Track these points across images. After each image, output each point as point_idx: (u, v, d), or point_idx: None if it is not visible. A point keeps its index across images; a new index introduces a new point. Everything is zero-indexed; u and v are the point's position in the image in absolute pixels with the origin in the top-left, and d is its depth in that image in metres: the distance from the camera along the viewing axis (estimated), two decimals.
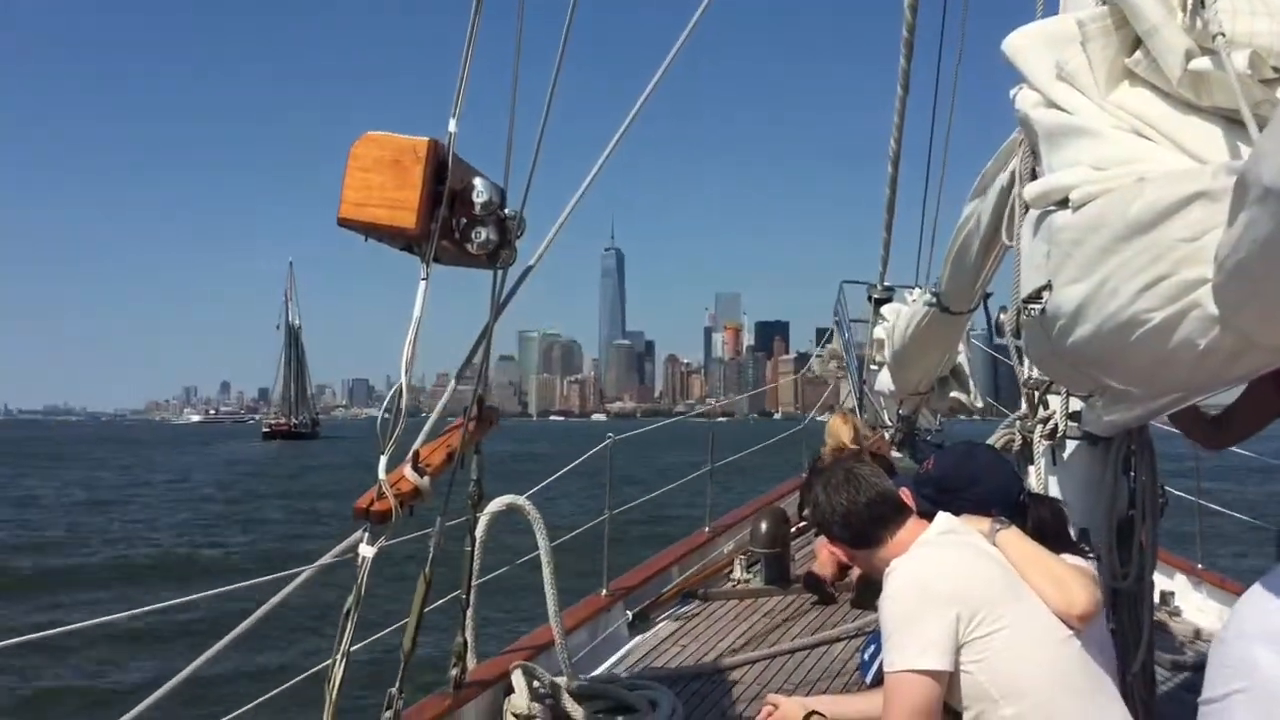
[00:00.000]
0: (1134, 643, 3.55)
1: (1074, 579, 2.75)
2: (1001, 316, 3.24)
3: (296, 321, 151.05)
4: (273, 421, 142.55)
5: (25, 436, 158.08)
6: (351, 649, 2.98)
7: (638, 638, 6.35)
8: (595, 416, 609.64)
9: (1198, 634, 6.54)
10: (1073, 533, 3.24)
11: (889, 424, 10.43)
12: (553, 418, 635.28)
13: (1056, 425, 3.67)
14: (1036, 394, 3.73)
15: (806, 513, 3.17)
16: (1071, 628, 2.70)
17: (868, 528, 2.93)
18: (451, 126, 3.05)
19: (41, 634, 3.23)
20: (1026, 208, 2.64)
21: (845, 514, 2.95)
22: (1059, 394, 3.64)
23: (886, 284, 9.51)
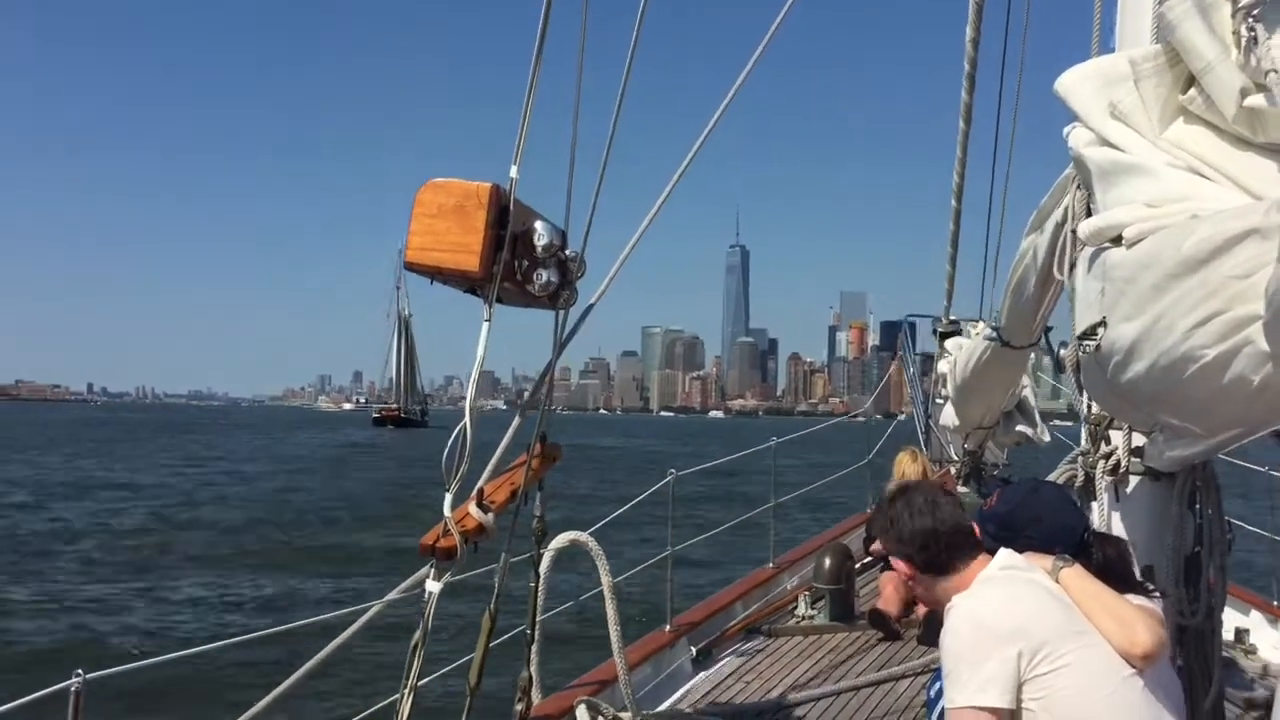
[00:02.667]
0: (1203, 681, 3.48)
1: (1138, 618, 2.72)
2: (1063, 352, 3.23)
3: (407, 310, 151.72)
4: (382, 407, 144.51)
5: (175, 420, 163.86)
6: (419, 683, 3.05)
7: (701, 674, 6.34)
8: (713, 414, 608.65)
9: (1269, 671, 6.38)
10: (1137, 571, 3.20)
11: (955, 458, 10.33)
12: (662, 413, 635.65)
13: (1119, 461, 3.63)
14: (1098, 429, 3.70)
15: (877, 536, 3.15)
16: (1134, 667, 2.67)
17: (943, 555, 2.92)
18: (513, 172, 3.13)
19: (123, 668, 3.31)
20: (1080, 243, 2.65)
21: (926, 537, 2.93)
22: (1121, 429, 3.61)
23: (952, 318, 9.47)
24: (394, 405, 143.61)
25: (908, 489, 3.16)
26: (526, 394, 3.65)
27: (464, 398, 3.19)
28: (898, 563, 3.03)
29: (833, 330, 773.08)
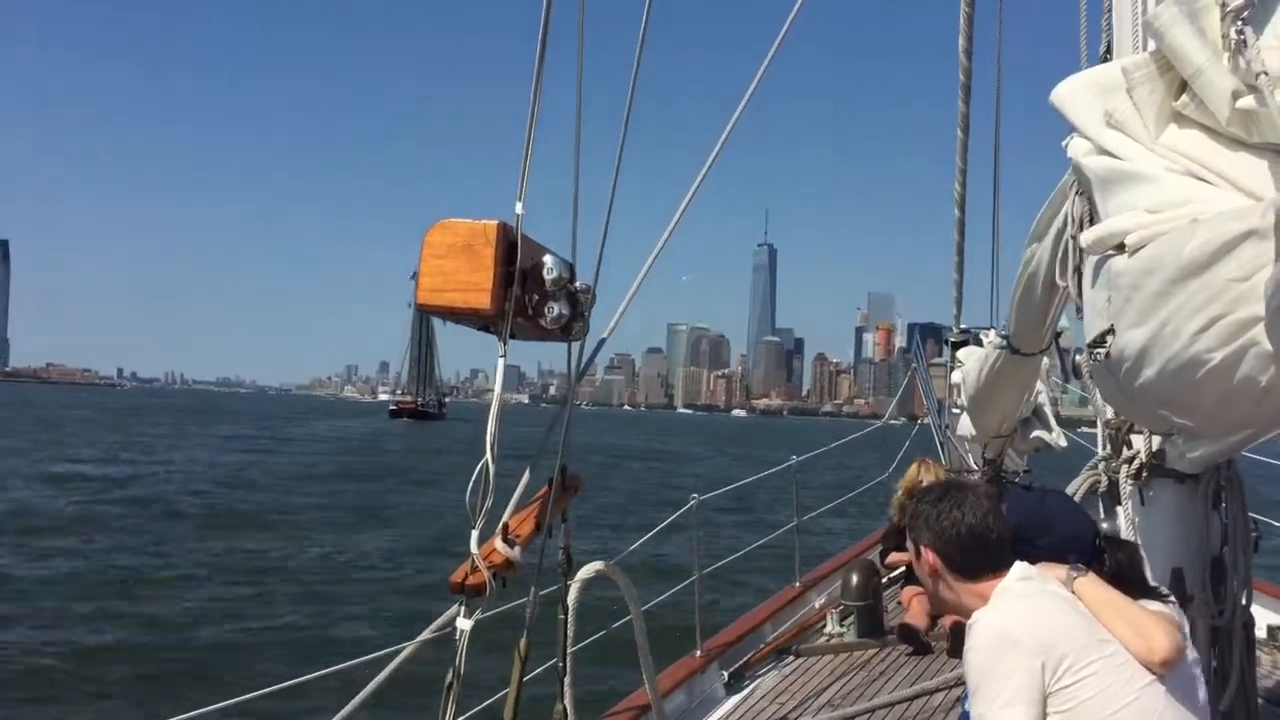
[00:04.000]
0: (1235, 680, 3.49)
1: (1155, 625, 2.72)
2: (1077, 358, 3.25)
3: None
4: (398, 400, 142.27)
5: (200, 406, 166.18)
6: None
7: (734, 697, 6.33)
8: (735, 413, 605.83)
9: None
10: (1149, 574, 3.19)
11: (974, 468, 10.30)
12: (681, 410, 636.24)
13: (1141, 465, 3.63)
14: (1119, 434, 3.71)
15: (909, 527, 3.04)
16: (1154, 673, 2.67)
17: (982, 560, 2.87)
18: (518, 209, 3.18)
19: None
20: (1080, 250, 2.68)
21: (971, 538, 2.87)
22: (1141, 433, 3.61)
23: (963, 327, 9.46)
24: (408, 398, 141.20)
25: (961, 487, 3.09)
26: (547, 429, 3.67)
27: (488, 390, 3.21)
28: (928, 555, 2.94)
29: (859, 331, 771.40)
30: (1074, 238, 2.95)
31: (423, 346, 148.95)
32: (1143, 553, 3.22)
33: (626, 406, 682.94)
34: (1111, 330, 2.41)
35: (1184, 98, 2.44)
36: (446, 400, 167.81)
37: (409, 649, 3.37)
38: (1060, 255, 3.20)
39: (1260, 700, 3.89)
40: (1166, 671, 2.68)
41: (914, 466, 9.05)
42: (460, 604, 3.16)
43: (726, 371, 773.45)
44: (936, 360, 13.24)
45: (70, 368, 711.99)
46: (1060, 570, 2.87)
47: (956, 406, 9.81)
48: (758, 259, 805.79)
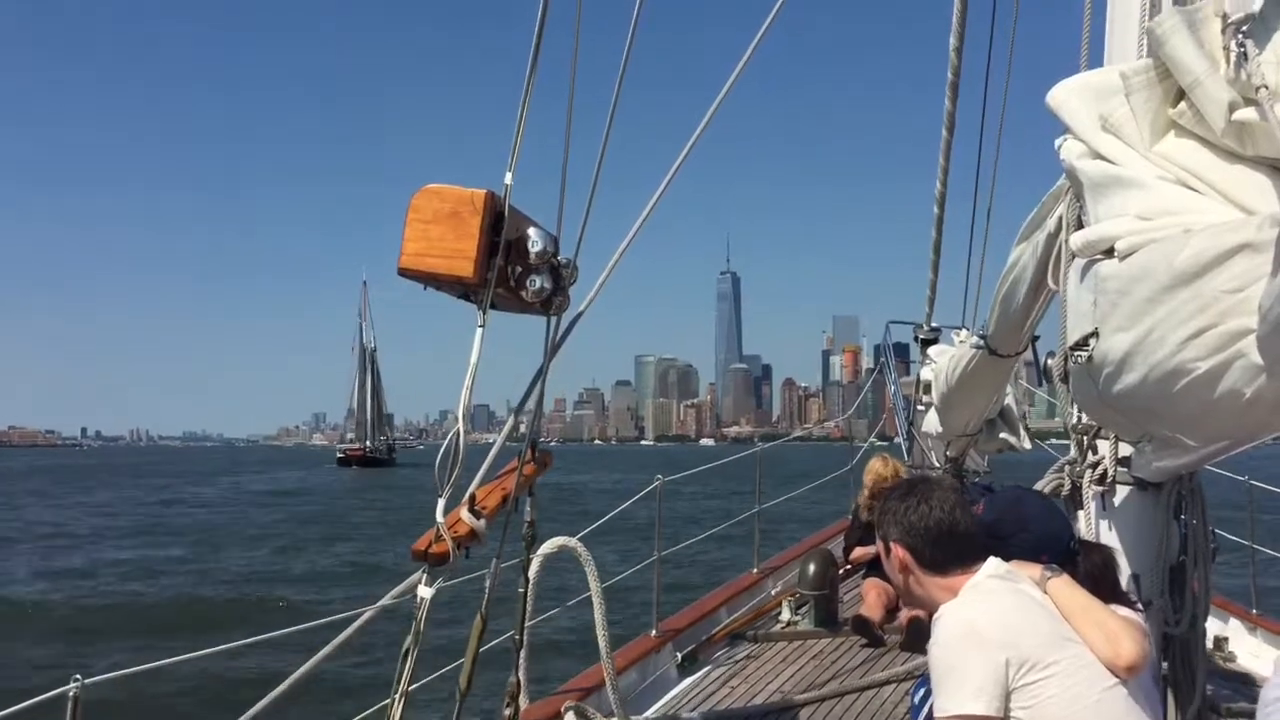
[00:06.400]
0: (1188, 690, 3.52)
1: (1123, 630, 2.74)
2: (1049, 361, 3.26)
3: (371, 343, 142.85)
4: (346, 447, 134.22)
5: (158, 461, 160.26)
6: (410, 688, 3.05)
7: (687, 679, 6.36)
8: (704, 441, 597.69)
9: (1251, 680, 6.45)
10: (1123, 579, 3.22)
11: (936, 465, 10.37)
12: (642, 442, 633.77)
13: (1106, 470, 3.66)
14: (1085, 439, 3.73)
15: (879, 524, 3.01)
16: (1118, 678, 2.69)
17: (951, 554, 2.88)
18: (508, 179, 3.14)
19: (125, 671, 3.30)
20: (1073, 254, 2.68)
21: (941, 532, 2.88)
22: (1108, 439, 3.64)
23: (933, 325, 9.51)
24: (356, 446, 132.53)
25: (927, 481, 3.09)
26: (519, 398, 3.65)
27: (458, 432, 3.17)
28: (897, 551, 2.94)
29: (826, 355, 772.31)
30: (1066, 242, 2.96)
31: (369, 391, 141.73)
32: (1118, 559, 3.24)
33: (597, 441, 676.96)
34: (1095, 334, 2.41)
35: (1180, 106, 2.44)
36: (397, 444, 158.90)
37: (369, 613, 3.36)
38: (1053, 259, 3.20)
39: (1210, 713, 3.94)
40: (1131, 677, 2.70)
41: (875, 461, 9.10)
42: (423, 572, 3.14)
43: (696, 401, 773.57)
44: (905, 379, 13.31)
45: (31, 429, 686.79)
46: (1034, 569, 2.89)
47: (922, 403, 9.87)
48: (721, 287, 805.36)
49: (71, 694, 2.66)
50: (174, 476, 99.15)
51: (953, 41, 6.93)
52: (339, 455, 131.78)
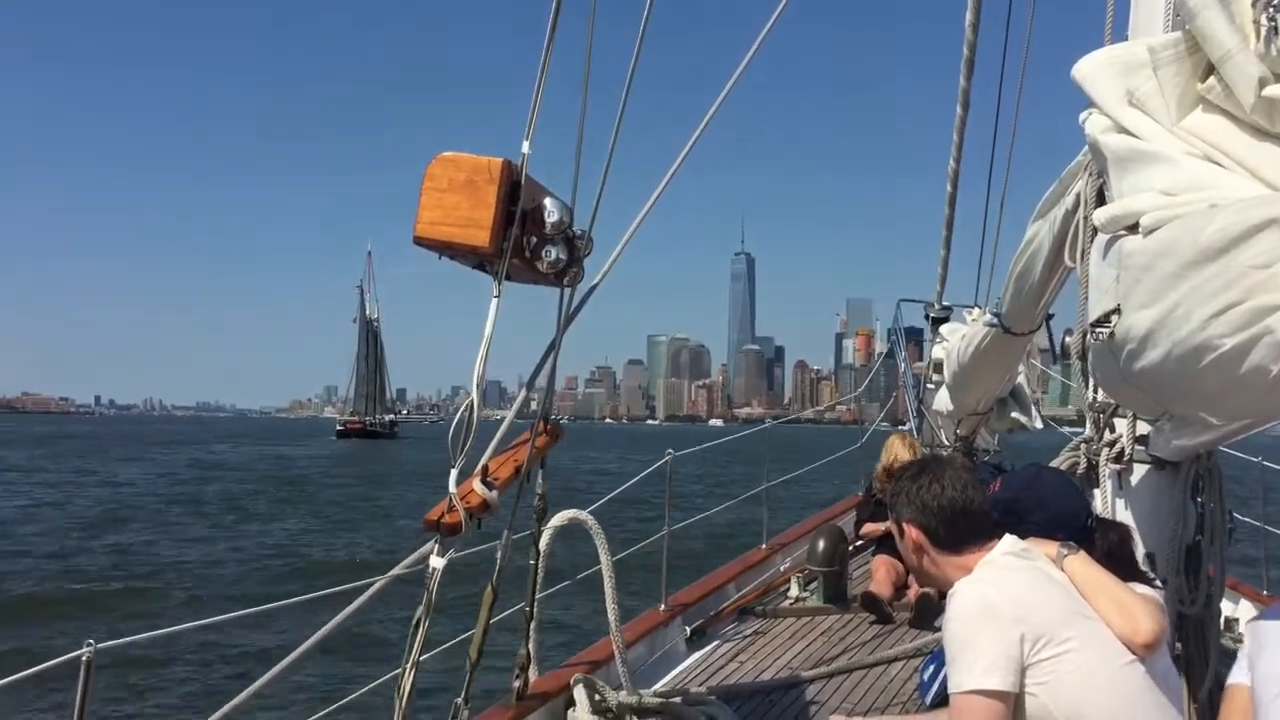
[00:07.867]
0: (1201, 669, 3.52)
1: (1140, 607, 2.73)
2: (1067, 339, 3.24)
3: (375, 315, 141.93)
4: (346, 420, 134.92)
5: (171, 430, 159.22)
6: (421, 659, 3.05)
7: (695, 654, 6.36)
8: (712, 422, 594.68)
9: None
10: (1139, 557, 3.21)
11: (946, 444, 10.36)
12: (648, 422, 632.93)
13: (1123, 449, 3.64)
14: (1103, 417, 3.71)
15: (890, 503, 3.01)
16: (1135, 654, 2.68)
17: (960, 532, 2.87)
18: (525, 148, 3.11)
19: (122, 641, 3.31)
20: (1093, 231, 2.65)
21: (954, 511, 2.87)
22: (1125, 417, 3.62)
23: (945, 303, 9.49)
24: (355, 418, 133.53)
25: (939, 461, 3.09)
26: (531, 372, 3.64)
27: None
28: (911, 531, 2.94)
29: (839, 338, 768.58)
30: (1086, 218, 2.93)
31: (370, 363, 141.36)
32: (1135, 536, 3.23)
33: (608, 420, 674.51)
34: (1118, 310, 2.39)
35: (1210, 81, 2.41)
36: (412, 416, 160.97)
37: (381, 583, 3.35)
38: (1071, 235, 3.18)
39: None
40: (1148, 654, 2.69)
41: (894, 438, 9.08)
42: (435, 542, 3.14)
43: (707, 381, 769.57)
44: (917, 364, 13.29)
45: (45, 396, 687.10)
46: (1050, 547, 2.88)
47: (932, 382, 9.85)
48: (736, 268, 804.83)
49: (84, 659, 2.66)
50: (170, 443, 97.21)
51: (969, 18, 6.87)
52: (338, 428, 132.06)
